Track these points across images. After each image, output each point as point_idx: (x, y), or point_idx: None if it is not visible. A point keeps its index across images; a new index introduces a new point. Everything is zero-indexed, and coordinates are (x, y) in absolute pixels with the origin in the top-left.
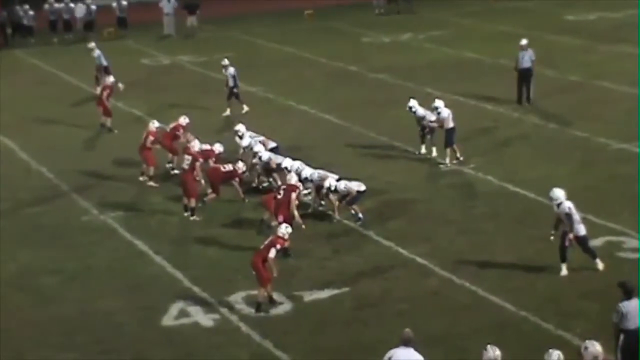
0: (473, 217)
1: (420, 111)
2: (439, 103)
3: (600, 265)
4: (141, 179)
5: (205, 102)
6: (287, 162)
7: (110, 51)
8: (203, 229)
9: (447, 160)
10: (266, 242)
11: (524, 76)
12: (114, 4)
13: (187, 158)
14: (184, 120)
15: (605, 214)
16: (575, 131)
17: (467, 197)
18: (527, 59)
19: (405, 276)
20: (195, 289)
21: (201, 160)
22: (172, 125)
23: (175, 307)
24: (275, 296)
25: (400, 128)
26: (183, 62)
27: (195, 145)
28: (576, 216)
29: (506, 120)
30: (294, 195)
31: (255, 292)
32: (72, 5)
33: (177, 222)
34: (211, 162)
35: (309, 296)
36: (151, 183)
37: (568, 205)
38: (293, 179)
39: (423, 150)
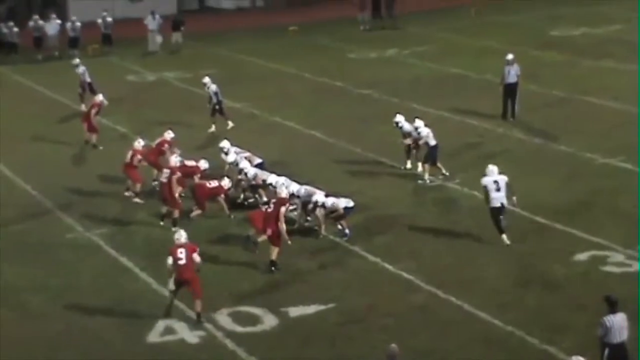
0: (459, 232)
1: (407, 126)
2: (418, 123)
3: (506, 241)
4: (126, 194)
5: (190, 119)
6: (272, 179)
7: (95, 68)
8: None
9: (426, 176)
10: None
11: (510, 91)
12: (99, 21)
13: (166, 171)
14: (168, 135)
15: (590, 229)
16: (560, 146)
17: (453, 212)
18: (512, 74)
19: (391, 291)
20: (181, 306)
21: (178, 173)
22: (157, 141)
23: (160, 324)
24: (260, 312)
25: (386, 144)
26: (168, 78)
27: (173, 159)
28: (493, 193)
29: (491, 135)
30: (283, 209)
31: (240, 308)
32: (58, 22)
33: (163, 239)
34: (196, 179)
35: (295, 312)
36: (137, 199)
37: (491, 179)
38: (283, 192)
39: (409, 165)
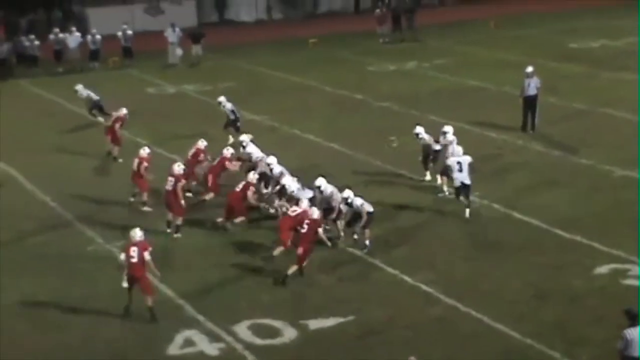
0: (478, 245)
1: (426, 138)
2: (447, 128)
3: (467, 214)
4: (131, 199)
5: (209, 131)
6: (304, 194)
7: (115, 80)
8: (206, 256)
9: (445, 188)
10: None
11: (530, 104)
12: (119, 34)
13: (170, 179)
14: (202, 143)
15: (609, 242)
16: (579, 158)
17: (472, 224)
18: (532, 86)
19: (410, 304)
20: (200, 318)
21: (183, 181)
22: (191, 151)
23: (180, 336)
24: (280, 325)
25: (405, 155)
26: (188, 90)
27: (176, 167)
28: (455, 173)
29: (510, 147)
30: (320, 230)
31: (259, 320)
32: (78, 35)
33: (182, 251)
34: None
35: (315, 324)
36: (146, 208)
37: (455, 160)
38: (315, 213)
39: (428, 177)
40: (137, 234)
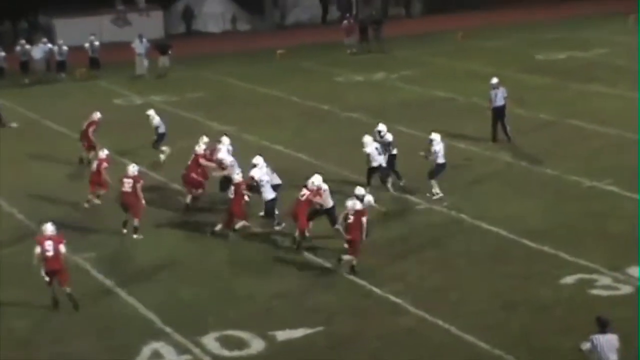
0: (446, 255)
1: (389, 137)
2: (435, 136)
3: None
4: (95, 201)
5: (176, 142)
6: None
7: (82, 91)
8: (175, 269)
9: (435, 190)
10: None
11: (499, 114)
12: (86, 45)
13: (128, 181)
14: (199, 148)
15: (577, 252)
16: (547, 169)
17: (440, 234)
18: (500, 96)
19: (379, 314)
20: (168, 329)
21: (141, 182)
22: (194, 156)
23: (147, 348)
24: (248, 336)
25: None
26: (155, 102)
27: (131, 168)
28: (376, 156)
29: (478, 158)
30: (364, 219)
31: (227, 332)
32: (48, 46)
33: (150, 263)
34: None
35: (283, 335)
36: (96, 201)
37: (374, 146)
38: (358, 204)
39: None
40: (49, 228)
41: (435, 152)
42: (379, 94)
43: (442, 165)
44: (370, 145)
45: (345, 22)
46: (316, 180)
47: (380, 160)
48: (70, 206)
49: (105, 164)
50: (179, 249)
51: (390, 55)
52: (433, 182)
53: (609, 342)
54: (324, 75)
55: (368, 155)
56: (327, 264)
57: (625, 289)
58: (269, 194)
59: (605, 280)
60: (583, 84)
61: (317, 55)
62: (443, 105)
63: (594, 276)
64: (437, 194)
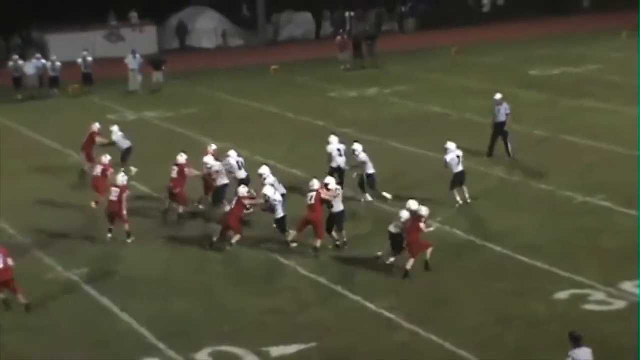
0: (440, 271)
1: (362, 157)
2: (450, 145)
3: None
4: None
5: (171, 157)
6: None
7: (75, 107)
8: (168, 283)
9: (458, 198)
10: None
11: (500, 129)
12: (79, 60)
13: (116, 190)
14: (182, 158)
15: (570, 267)
16: (540, 184)
17: (434, 250)
18: (502, 112)
19: (372, 330)
20: (161, 345)
21: (127, 192)
22: (175, 169)
23: None
24: (241, 352)
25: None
26: (149, 117)
27: (120, 178)
28: (337, 158)
29: (472, 173)
30: (422, 225)
31: (221, 347)
32: (42, 61)
33: (143, 278)
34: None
35: (276, 351)
36: (92, 204)
37: (335, 147)
38: (422, 210)
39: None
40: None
41: (446, 162)
42: (373, 109)
43: (458, 175)
44: (332, 145)
45: (338, 37)
46: (315, 184)
47: (339, 161)
48: (62, 221)
49: (111, 169)
50: (171, 263)
51: (384, 70)
52: (454, 191)
53: (585, 355)
54: (318, 90)
55: (329, 154)
56: (321, 279)
57: (619, 304)
58: (280, 213)
59: (598, 295)
60: (576, 99)
61: (311, 70)
62: (437, 121)
63: (588, 291)
64: (459, 202)
